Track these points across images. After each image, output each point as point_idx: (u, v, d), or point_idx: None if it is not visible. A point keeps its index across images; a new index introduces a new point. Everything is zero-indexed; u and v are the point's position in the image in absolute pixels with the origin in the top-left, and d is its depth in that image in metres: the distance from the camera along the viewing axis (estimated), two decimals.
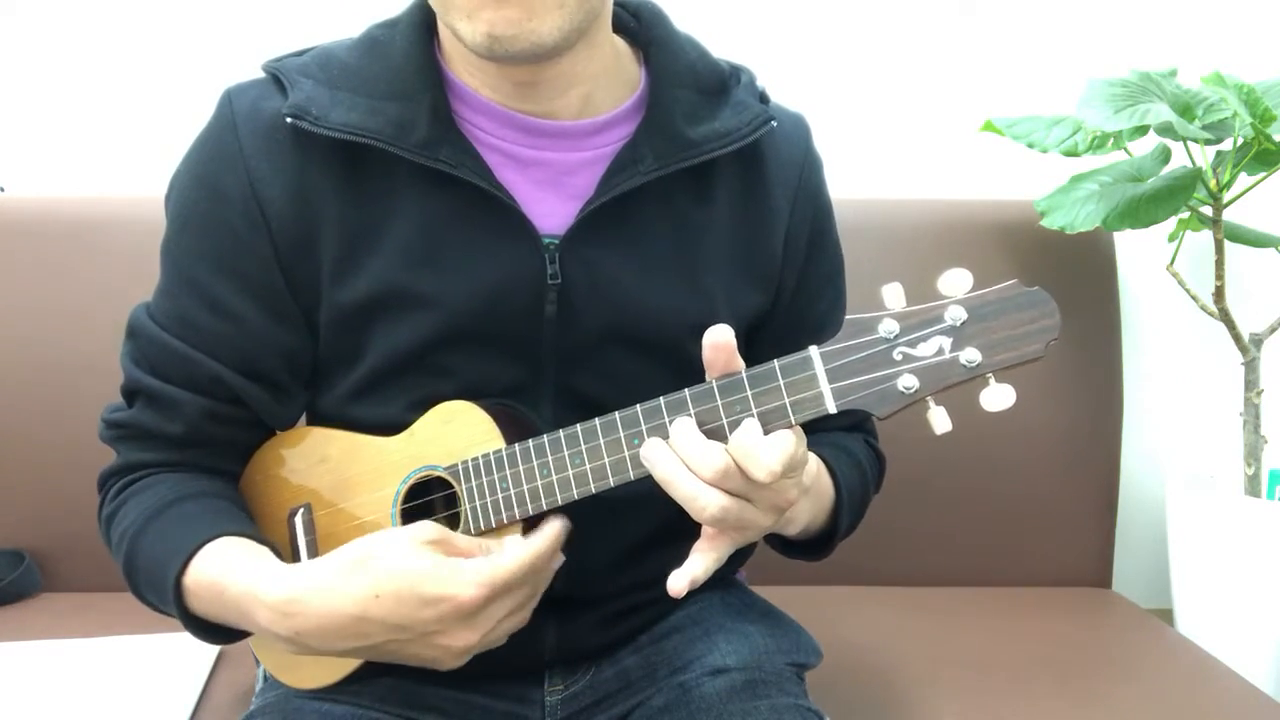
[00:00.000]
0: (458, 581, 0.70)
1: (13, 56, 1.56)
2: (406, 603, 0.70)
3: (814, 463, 0.82)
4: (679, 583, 0.70)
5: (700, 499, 0.67)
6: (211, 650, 1.17)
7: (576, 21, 0.76)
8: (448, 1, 0.75)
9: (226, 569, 0.77)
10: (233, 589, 0.75)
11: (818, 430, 0.80)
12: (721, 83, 0.88)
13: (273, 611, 0.73)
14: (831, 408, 0.67)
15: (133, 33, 1.56)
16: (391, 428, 0.84)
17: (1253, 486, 1.48)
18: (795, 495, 0.71)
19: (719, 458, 0.67)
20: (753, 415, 0.69)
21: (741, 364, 0.70)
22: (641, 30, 0.88)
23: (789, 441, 0.67)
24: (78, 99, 1.57)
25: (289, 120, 0.79)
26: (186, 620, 0.80)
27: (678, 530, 0.80)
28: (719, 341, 0.68)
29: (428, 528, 0.74)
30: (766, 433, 0.68)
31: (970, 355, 0.66)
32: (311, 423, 0.90)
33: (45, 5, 1.55)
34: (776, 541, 0.92)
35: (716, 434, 0.70)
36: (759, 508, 0.70)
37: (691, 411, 0.70)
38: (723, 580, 1.01)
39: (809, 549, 0.93)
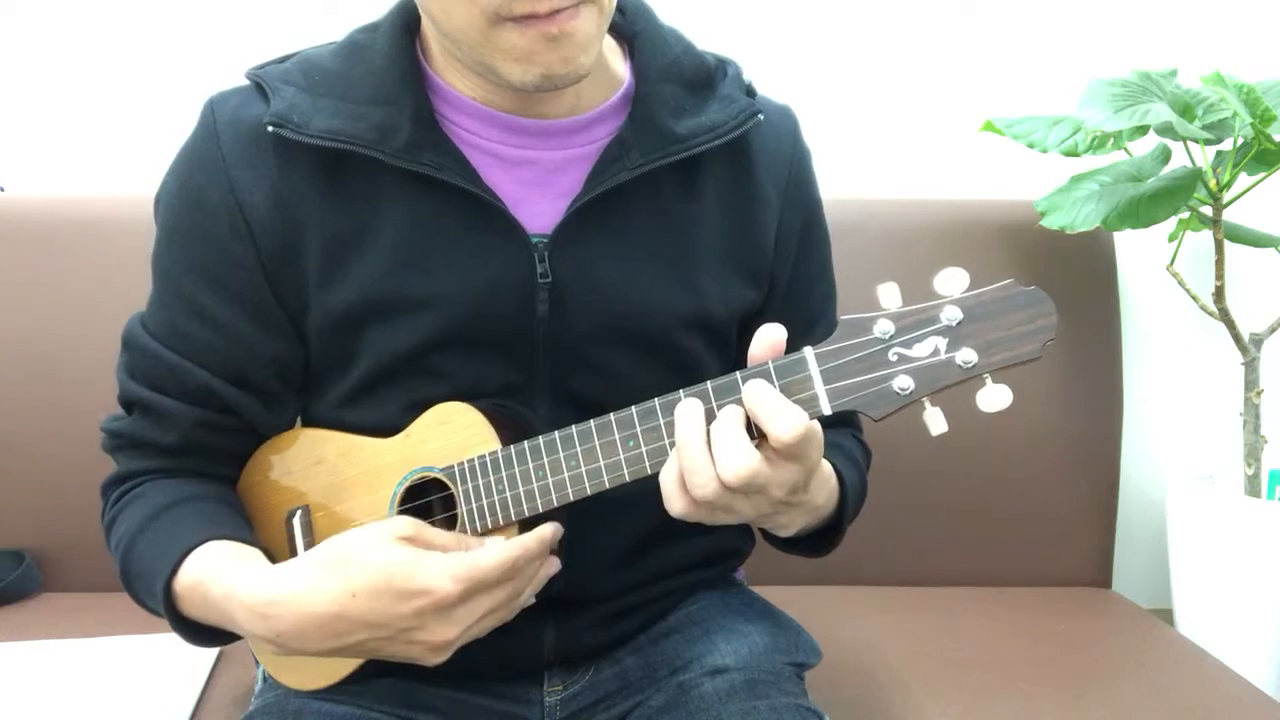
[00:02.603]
0: (434, 575, 0.70)
1: (13, 56, 1.56)
2: (383, 598, 0.70)
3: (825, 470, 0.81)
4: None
5: (700, 476, 0.66)
6: (211, 650, 1.17)
7: (602, 35, 0.76)
8: (492, 47, 0.73)
9: (209, 572, 0.77)
10: (215, 590, 0.75)
11: None
12: (707, 76, 0.87)
13: (250, 613, 0.73)
14: (827, 409, 0.67)
15: (133, 32, 1.56)
16: (386, 431, 0.84)
17: (1253, 486, 1.48)
18: (752, 514, 0.71)
19: (750, 463, 0.65)
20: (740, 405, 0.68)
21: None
22: (626, 24, 0.88)
23: (755, 460, 0.66)
24: (78, 99, 1.57)
25: (271, 129, 0.78)
26: (179, 625, 0.80)
27: (676, 530, 0.80)
28: (776, 341, 0.69)
29: (402, 523, 0.74)
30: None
31: (966, 356, 0.65)
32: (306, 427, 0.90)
33: (45, 5, 1.55)
34: (775, 539, 0.92)
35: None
36: (735, 510, 0.69)
37: None
38: (722, 580, 1.00)
39: (807, 547, 0.92)
